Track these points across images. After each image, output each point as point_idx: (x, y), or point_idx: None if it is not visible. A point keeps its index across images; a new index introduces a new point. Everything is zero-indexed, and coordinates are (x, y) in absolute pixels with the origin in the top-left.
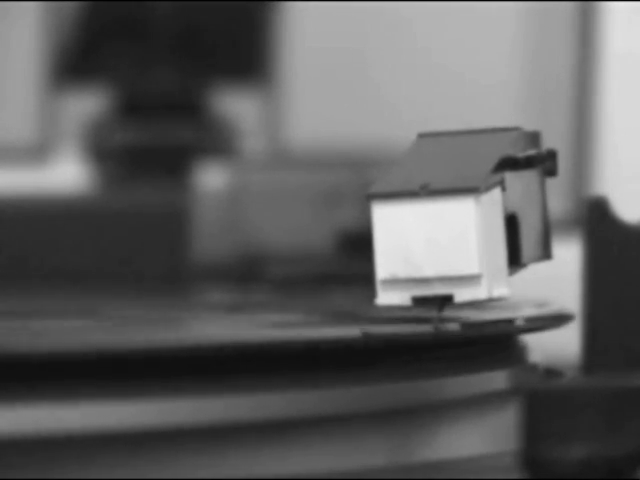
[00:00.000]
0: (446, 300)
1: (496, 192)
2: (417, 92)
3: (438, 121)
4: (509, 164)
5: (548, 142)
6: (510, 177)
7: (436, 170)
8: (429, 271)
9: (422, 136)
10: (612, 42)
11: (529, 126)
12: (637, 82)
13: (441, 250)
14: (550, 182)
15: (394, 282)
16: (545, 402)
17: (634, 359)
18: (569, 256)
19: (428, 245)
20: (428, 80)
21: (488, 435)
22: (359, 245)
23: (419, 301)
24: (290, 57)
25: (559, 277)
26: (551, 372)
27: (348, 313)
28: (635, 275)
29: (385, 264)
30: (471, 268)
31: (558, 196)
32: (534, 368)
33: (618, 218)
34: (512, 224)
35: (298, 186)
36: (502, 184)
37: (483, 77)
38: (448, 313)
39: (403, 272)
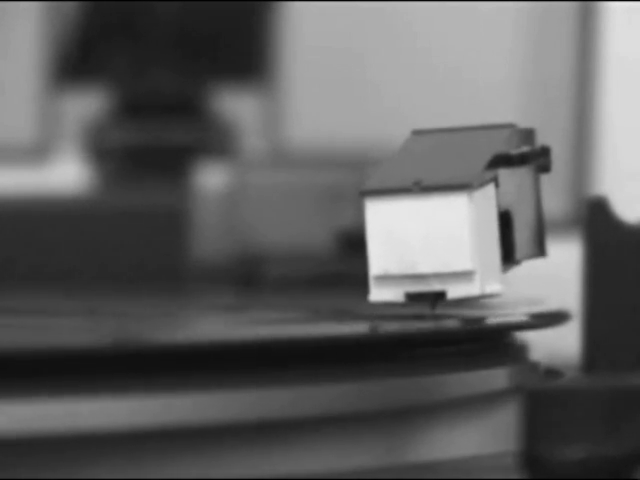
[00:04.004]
0: (439, 296)
1: (489, 189)
2: (417, 92)
3: (438, 120)
4: (503, 161)
5: (548, 142)
6: (504, 174)
7: (429, 167)
8: (422, 267)
9: (416, 133)
10: (612, 43)
11: (529, 126)
12: (637, 82)
13: (434, 246)
14: (550, 182)
15: (387, 278)
16: (545, 402)
17: (634, 359)
18: (569, 256)
19: (421, 241)
20: (428, 80)
21: (488, 435)
22: (359, 244)
23: (412, 297)
24: (290, 57)
25: (559, 277)
26: (551, 372)
27: (346, 311)
28: (635, 275)
29: (378, 260)
30: (464, 264)
31: (558, 196)
32: (534, 367)
33: (618, 218)
34: (506, 221)
35: (298, 186)
36: (495, 181)
37: (483, 77)
38: (445, 310)
39: (396, 268)
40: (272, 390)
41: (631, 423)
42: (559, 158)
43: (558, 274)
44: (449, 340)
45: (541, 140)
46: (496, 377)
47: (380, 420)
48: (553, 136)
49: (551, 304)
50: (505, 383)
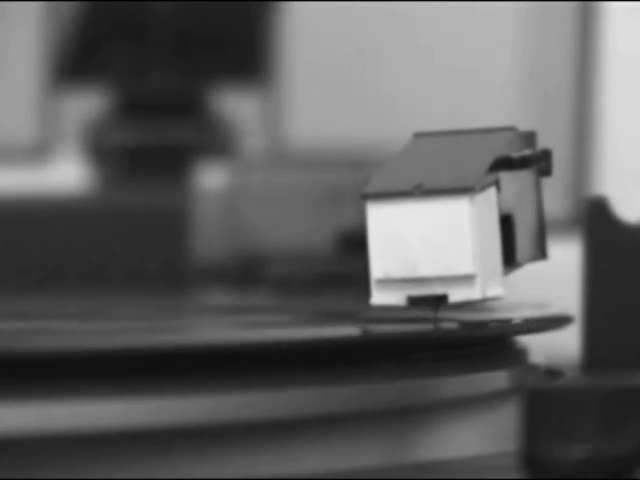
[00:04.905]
0: (441, 300)
1: (491, 192)
2: (417, 92)
3: (438, 120)
4: (504, 164)
5: (548, 142)
6: (505, 177)
7: (431, 170)
8: (424, 271)
9: (417, 135)
10: (612, 42)
11: (529, 126)
12: (637, 82)
13: (435, 250)
14: (550, 182)
15: (389, 282)
16: (545, 402)
17: (634, 359)
18: (569, 256)
19: (423, 245)
20: (428, 80)
21: (488, 435)
22: (359, 245)
23: (414, 301)
24: (290, 57)
25: (559, 277)
26: (551, 372)
27: (347, 313)
28: (635, 275)
29: (380, 264)
30: (465, 268)
31: (558, 196)
32: (534, 368)
33: (618, 218)
34: (507, 224)
35: (298, 186)
36: (497, 184)
37: (483, 77)
38: (447, 314)
39: (398, 272)
40: (273, 391)
41: (631, 423)
42: (559, 158)
43: (558, 274)
44: (449, 344)
45: (541, 140)
46: (496, 378)
47: (381, 420)
48: (553, 136)
49: (552, 307)
50: (505, 384)
